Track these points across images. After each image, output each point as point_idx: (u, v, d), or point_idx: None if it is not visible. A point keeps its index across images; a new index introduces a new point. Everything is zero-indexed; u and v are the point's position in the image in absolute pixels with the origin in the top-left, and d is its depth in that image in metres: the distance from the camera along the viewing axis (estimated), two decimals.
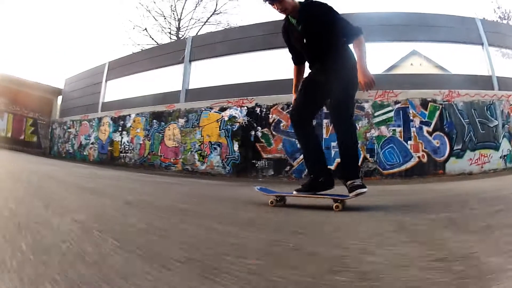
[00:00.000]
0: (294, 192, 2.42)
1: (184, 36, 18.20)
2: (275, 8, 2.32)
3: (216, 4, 19.43)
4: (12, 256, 0.92)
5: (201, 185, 5.23)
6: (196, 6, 19.19)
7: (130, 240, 1.23)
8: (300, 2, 2.39)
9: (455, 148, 6.43)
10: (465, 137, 6.48)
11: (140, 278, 0.82)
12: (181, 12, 19.37)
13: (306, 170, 2.85)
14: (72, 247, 1.08)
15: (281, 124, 7.41)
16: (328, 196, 2.24)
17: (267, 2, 2.31)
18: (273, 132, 7.48)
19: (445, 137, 6.46)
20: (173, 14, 19.77)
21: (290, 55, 2.69)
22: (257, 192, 2.59)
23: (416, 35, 7.60)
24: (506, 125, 6.72)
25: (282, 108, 7.42)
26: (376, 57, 8.52)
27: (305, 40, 2.43)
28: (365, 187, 2.15)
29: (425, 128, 6.48)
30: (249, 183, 5.48)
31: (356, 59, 2.32)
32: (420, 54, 14.60)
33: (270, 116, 7.54)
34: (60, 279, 0.78)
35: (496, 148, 6.56)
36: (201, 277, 0.85)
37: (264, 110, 7.68)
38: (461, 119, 6.56)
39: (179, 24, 19.26)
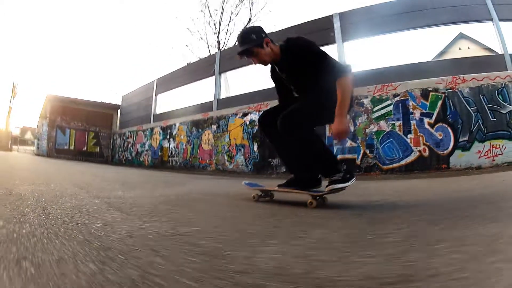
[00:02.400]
0: (276, 187, 2.45)
1: (223, 47, 19.78)
2: (253, 62, 2.28)
3: (250, 12, 20.57)
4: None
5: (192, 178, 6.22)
6: (230, 20, 20.62)
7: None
8: (281, 46, 2.30)
9: (460, 140, 6.00)
10: (473, 127, 5.99)
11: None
12: (219, 26, 21.01)
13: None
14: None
15: None
16: (305, 192, 2.26)
17: (243, 57, 2.25)
18: None
19: (448, 128, 6.10)
20: (212, 29, 21.50)
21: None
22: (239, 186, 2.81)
23: (415, 21, 7.31)
24: None
25: None
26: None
27: (292, 86, 2.45)
28: (342, 183, 2.11)
29: (426, 120, 6.22)
30: (262, 180, 6.03)
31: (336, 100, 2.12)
32: (468, 37, 13.58)
33: None
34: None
35: (511, 138, 5.87)
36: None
37: None
38: (467, 107, 6.07)
39: (218, 37, 20.98)
